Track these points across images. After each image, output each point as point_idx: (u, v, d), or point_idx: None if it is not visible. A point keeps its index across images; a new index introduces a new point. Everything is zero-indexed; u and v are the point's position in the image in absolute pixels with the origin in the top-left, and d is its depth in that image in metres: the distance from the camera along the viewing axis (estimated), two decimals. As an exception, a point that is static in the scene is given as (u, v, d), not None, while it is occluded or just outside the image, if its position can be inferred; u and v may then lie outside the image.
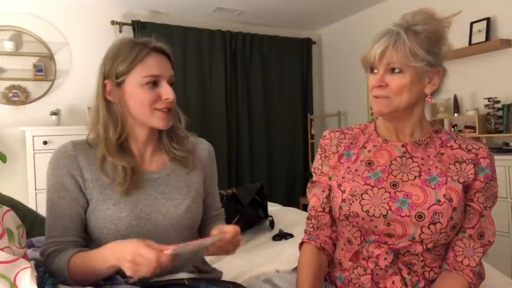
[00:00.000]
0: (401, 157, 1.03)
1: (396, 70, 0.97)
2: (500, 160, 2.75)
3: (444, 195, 0.95)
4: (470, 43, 3.26)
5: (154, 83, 1.05)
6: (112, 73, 1.05)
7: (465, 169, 0.99)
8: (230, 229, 1.02)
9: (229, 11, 4.29)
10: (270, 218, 2.21)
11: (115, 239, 1.02)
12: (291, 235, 2.01)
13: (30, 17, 3.68)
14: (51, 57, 3.74)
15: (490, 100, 3.08)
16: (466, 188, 0.99)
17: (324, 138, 1.16)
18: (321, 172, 1.13)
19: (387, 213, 0.97)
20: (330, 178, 1.10)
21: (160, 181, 1.11)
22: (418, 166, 1.01)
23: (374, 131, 1.11)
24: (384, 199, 0.98)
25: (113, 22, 3.99)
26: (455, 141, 1.04)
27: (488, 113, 3.14)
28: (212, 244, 0.98)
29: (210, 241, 0.97)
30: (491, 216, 1.02)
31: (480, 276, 1.00)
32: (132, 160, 1.08)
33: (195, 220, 1.16)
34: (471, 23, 3.26)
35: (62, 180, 1.05)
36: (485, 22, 3.19)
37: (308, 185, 1.17)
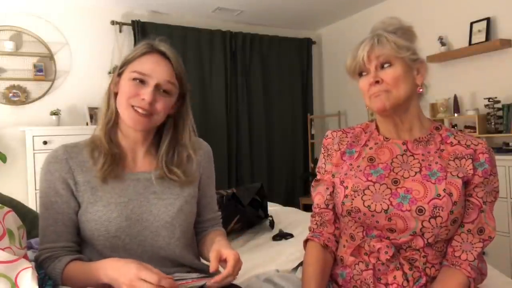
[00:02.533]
0: (402, 155, 1.05)
1: (386, 65, 1.01)
2: (500, 160, 2.75)
3: (444, 189, 0.97)
4: (470, 43, 3.25)
5: (141, 81, 1.05)
6: (120, 65, 1.11)
7: (464, 164, 1.00)
8: (230, 259, 0.96)
9: (229, 11, 4.29)
10: (270, 218, 2.21)
11: (106, 240, 1.02)
12: (291, 235, 2.01)
13: (30, 17, 3.68)
14: (51, 57, 3.74)
15: (490, 100, 3.08)
16: (466, 183, 1.00)
17: (326, 138, 1.19)
18: (325, 171, 1.15)
19: (388, 208, 0.98)
20: (333, 176, 1.12)
21: (152, 181, 1.10)
22: (419, 162, 1.03)
23: (375, 130, 1.13)
24: (386, 195, 1.00)
25: (113, 22, 3.98)
26: (454, 138, 1.05)
27: (488, 113, 3.14)
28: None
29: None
30: (492, 211, 1.02)
31: (480, 271, 1.00)
32: (117, 151, 1.09)
33: (188, 221, 1.13)
34: (471, 23, 3.26)
35: (53, 185, 1.05)
36: (485, 22, 3.18)
37: (313, 183, 1.19)
